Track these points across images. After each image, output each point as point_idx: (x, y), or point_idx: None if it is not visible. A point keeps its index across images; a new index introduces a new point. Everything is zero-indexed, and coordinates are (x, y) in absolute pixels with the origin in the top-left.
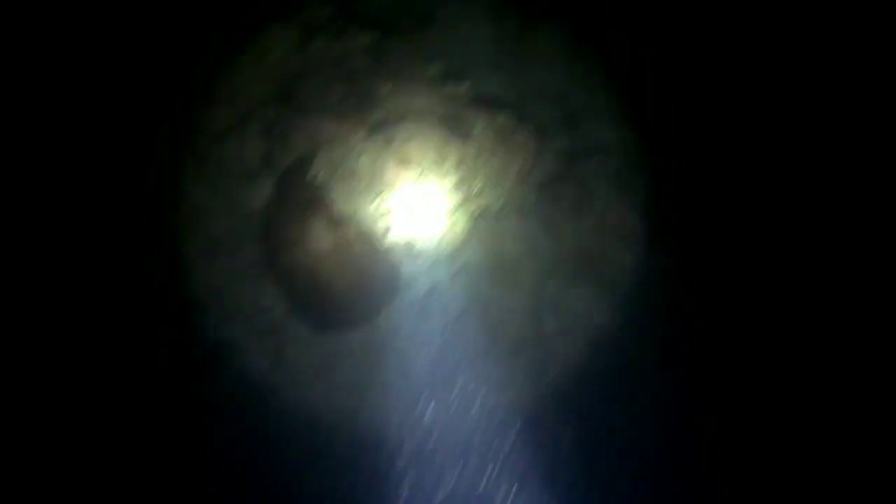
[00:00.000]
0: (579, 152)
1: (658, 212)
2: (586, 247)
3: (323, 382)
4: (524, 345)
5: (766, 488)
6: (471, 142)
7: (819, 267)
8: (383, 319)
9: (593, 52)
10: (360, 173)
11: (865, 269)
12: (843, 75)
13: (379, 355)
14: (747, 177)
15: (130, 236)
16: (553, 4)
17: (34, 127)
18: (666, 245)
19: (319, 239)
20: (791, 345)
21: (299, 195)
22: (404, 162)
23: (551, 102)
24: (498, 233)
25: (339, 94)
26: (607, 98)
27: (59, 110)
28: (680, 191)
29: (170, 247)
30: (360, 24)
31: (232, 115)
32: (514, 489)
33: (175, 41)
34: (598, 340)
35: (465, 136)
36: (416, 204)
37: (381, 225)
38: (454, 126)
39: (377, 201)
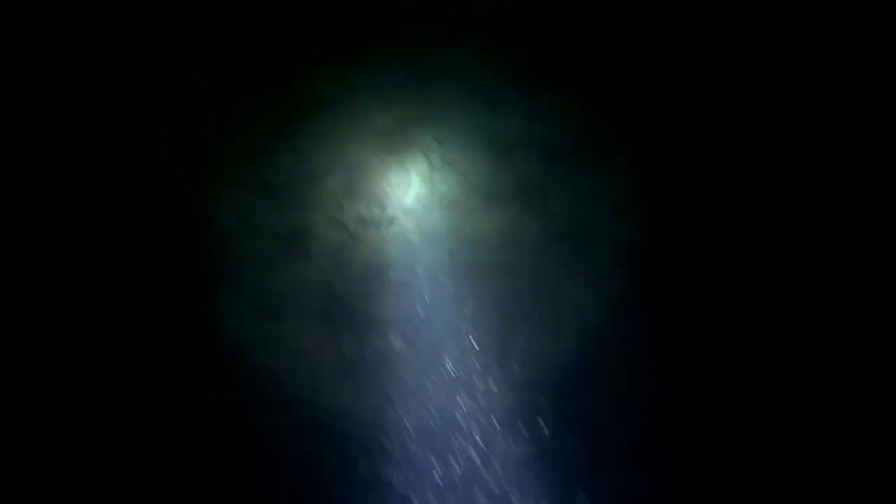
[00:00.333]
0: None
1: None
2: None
3: (326, 375)
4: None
5: (766, 488)
6: None
7: (808, 278)
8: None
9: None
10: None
11: (852, 275)
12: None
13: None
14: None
15: (137, 239)
16: None
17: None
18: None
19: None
20: (789, 345)
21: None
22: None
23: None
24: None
25: None
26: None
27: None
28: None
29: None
30: None
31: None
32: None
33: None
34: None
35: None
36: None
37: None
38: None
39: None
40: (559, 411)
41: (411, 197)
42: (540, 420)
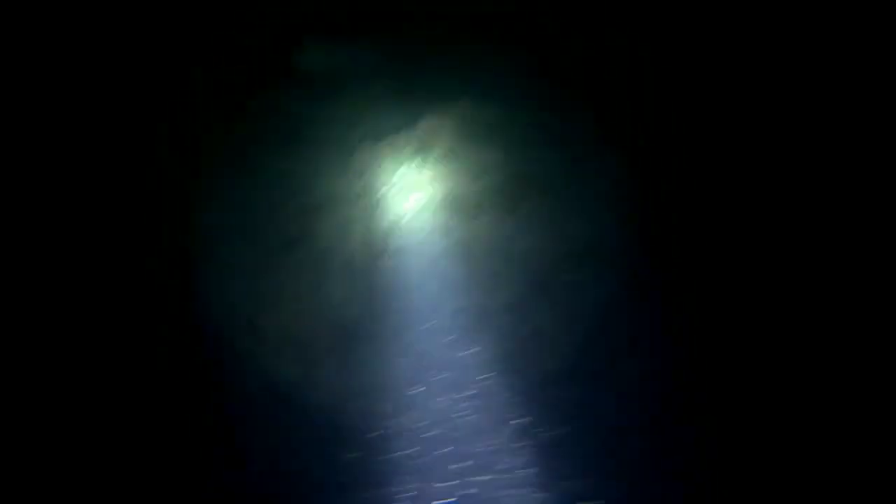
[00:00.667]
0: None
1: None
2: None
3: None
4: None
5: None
6: None
7: (808, 278)
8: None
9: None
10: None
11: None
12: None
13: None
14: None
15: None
16: None
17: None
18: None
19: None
20: (788, 345)
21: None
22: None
23: None
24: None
25: None
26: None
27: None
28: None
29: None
30: None
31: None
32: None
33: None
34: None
35: None
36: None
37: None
38: None
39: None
40: (557, 410)
41: (411, 196)
42: (535, 418)
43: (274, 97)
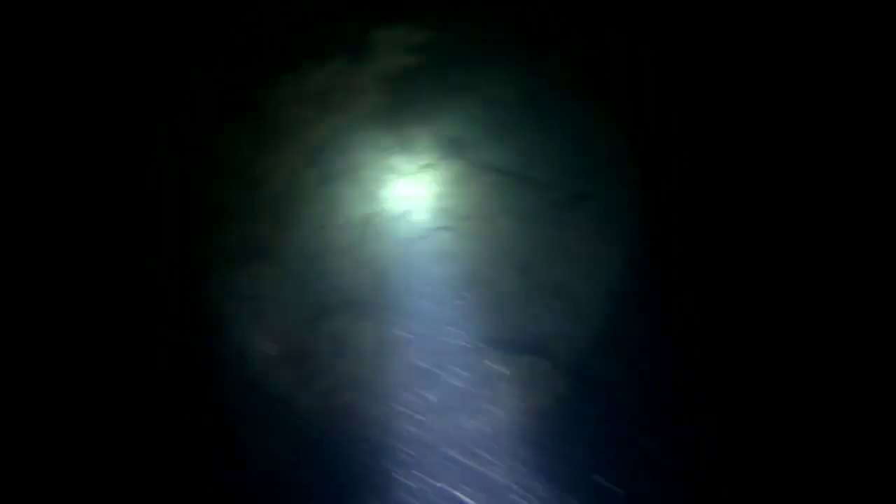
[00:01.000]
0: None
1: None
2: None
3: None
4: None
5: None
6: None
7: (808, 278)
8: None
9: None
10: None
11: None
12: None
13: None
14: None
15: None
16: None
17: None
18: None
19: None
20: (788, 345)
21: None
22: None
23: None
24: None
25: None
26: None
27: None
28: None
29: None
30: None
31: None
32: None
33: None
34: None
35: None
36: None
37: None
38: None
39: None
40: (557, 409)
41: (415, 194)
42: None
43: (274, 97)
